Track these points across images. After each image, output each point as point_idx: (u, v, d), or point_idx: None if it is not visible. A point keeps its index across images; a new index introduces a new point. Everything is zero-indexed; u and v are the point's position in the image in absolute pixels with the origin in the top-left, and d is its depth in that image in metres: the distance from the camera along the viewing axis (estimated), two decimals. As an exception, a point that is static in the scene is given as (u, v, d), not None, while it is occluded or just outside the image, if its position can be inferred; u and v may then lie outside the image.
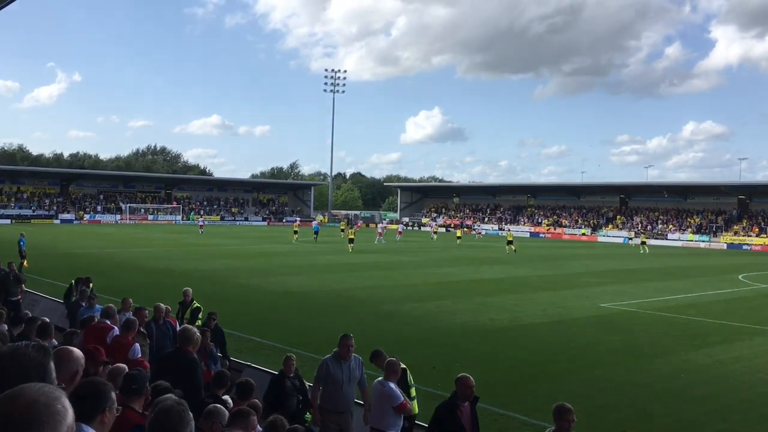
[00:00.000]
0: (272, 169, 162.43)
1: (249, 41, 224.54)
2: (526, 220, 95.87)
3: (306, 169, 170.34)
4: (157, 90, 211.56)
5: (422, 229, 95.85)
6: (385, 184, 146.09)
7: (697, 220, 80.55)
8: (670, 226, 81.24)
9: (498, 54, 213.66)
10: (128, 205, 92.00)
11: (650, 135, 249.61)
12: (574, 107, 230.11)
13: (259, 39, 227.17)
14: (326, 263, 36.66)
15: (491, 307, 22.24)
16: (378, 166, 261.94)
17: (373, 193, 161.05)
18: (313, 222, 78.72)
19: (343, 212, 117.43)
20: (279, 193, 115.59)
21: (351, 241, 47.15)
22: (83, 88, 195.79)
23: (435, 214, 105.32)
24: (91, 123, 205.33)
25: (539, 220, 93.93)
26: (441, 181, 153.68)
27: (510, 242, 51.04)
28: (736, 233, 73.72)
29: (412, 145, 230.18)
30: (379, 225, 71.55)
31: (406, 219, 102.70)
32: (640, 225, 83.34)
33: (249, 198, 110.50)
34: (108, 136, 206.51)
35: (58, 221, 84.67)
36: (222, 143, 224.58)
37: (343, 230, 67.90)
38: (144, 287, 23.16)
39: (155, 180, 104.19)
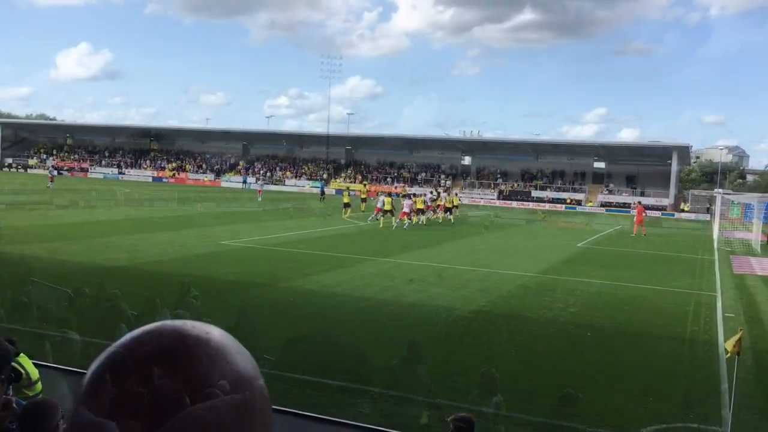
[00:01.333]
0: None
1: None
2: (148, 164, 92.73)
3: None
4: None
5: (29, 171, 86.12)
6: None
7: (310, 167, 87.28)
8: (287, 173, 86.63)
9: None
10: None
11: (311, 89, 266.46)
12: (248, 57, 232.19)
13: None
14: None
15: (108, 248, 21.24)
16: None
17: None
18: None
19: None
20: None
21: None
22: None
23: (45, 156, 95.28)
24: None
25: (162, 165, 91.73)
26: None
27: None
28: (343, 179, 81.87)
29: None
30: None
31: (9, 160, 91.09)
32: (261, 171, 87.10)
33: None
34: None
35: None
36: None
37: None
38: None
39: None
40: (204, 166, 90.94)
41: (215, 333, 0.81)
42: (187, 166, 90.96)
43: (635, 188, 73.34)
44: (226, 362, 0.78)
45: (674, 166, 71.30)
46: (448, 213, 39.75)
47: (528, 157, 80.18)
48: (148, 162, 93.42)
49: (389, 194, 40.00)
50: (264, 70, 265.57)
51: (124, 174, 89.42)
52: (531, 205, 70.30)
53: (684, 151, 73.09)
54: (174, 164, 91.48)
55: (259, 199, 52.78)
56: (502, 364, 11.00)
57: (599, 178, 77.00)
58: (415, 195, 40.05)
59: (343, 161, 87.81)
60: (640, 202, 54.86)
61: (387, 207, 35.30)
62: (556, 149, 78.80)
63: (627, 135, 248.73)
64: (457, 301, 15.97)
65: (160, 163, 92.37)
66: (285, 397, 8.84)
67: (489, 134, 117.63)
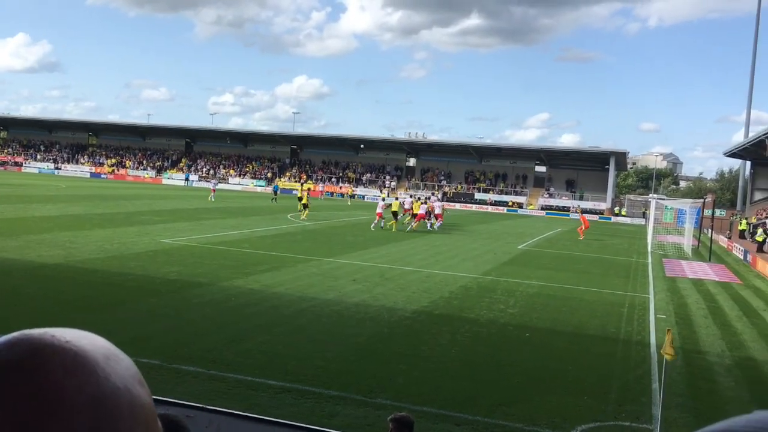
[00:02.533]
0: None
1: None
2: (86, 160, 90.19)
3: None
4: None
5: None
6: None
7: (254, 165, 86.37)
8: (231, 171, 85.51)
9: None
10: None
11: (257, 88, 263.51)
12: (193, 53, 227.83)
13: None
14: None
15: (42, 245, 20.58)
16: None
17: None
18: None
19: None
20: None
21: None
22: None
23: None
24: None
25: (101, 161, 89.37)
26: None
27: None
28: (288, 179, 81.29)
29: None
30: None
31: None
32: (204, 169, 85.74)
33: None
34: None
35: None
36: None
37: None
38: None
39: None
40: (145, 162, 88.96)
41: (83, 342, 0.69)
42: (127, 162, 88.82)
43: (575, 192, 75.12)
44: (88, 374, 0.66)
45: (612, 172, 73.32)
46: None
47: (472, 160, 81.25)
48: (86, 157, 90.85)
49: (395, 198, 40.85)
50: (209, 67, 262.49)
51: (60, 169, 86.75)
52: (474, 207, 71.30)
53: (621, 157, 75.24)
54: (113, 160, 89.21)
55: (212, 198, 50.90)
56: (442, 364, 11.15)
57: (540, 181, 78.62)
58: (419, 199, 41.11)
59: (288, 160, 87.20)
60: (579, 207, 56.40)
61: (394, 209, 36.05)
62: (500, 153, 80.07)
63: (568, 140, 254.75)
64: (400, 301, 16.08)
65: (99, 159, 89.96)
66: (226, 398, 8.76)
67: (434, 136, 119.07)
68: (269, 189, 75.88)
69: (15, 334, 0.67)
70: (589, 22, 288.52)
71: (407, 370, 10.61)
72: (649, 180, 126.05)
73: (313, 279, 18.35)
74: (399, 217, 35.79)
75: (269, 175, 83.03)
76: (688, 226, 38.60)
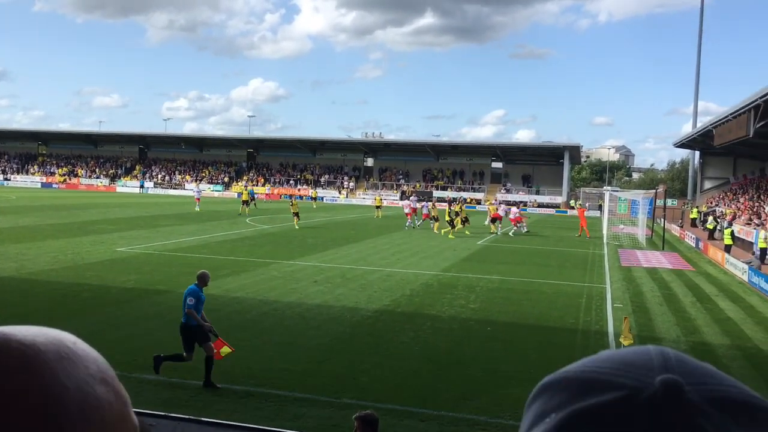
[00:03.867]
0: None
1: None
2: (37, 169, 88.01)
3: None
4: None
5: None
6: None
7: (210, 170, 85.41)
8: (187, 176, 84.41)
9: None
10: None
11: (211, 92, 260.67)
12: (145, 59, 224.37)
13: None
14: None
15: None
16: None
17: None
18: None
19: None
20: None
21: None
22: None
23: None
24: None
25: (52, 170, 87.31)
26: None
27: None
28: (246, 182, 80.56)
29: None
30: None
31: None
32: (159, 176, 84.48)
33: None
34: None
35: None
36: None
37: None
38: None
39: None
40: (98, 170, 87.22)
41: (37, 340, 0.65)
42: (79, 171, 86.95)
43: (531, 187, 76.14)
44: (33, 374, 0.62)
45: (566, 165, 74.50)
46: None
47: (429, 158, 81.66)
48: (36, 167, 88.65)
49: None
50: (162, 72, 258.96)
51: (9, 180, 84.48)
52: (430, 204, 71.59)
53: (575, 151, 76.49)
54: (65, 169, 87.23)
55: (197, 208, 47.32)
56: (405, 361, 11.20)
57: (497, 177, 79.45)
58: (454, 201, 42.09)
59: (245, 164, 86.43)
60: (580, 204, 57.05)
61: (433, 213, 37.60)
62: (456, 150, 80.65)
63: (523, 136, 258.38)
64: (362, 301, 16.11)
65: (50, 169, 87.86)
66: (188, 405, 8.68)
67: (391, 136, 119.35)
68: (227, 194, 75.15)
69: None
70: (542, 18, 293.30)
71: (371, 369, 10.64)
72: (603, 173, 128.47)
73: (275, 282, 18.25)
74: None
75: (226, 179, 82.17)
76: (642, 217, 39.49)
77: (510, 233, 37.43)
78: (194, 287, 10.20)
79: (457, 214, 36.06)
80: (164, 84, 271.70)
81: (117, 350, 11.05)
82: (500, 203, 49.48)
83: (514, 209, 40.46)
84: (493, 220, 38.20)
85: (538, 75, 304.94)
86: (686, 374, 0.59)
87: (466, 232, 35.71)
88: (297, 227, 34.70)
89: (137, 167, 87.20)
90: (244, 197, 47.44)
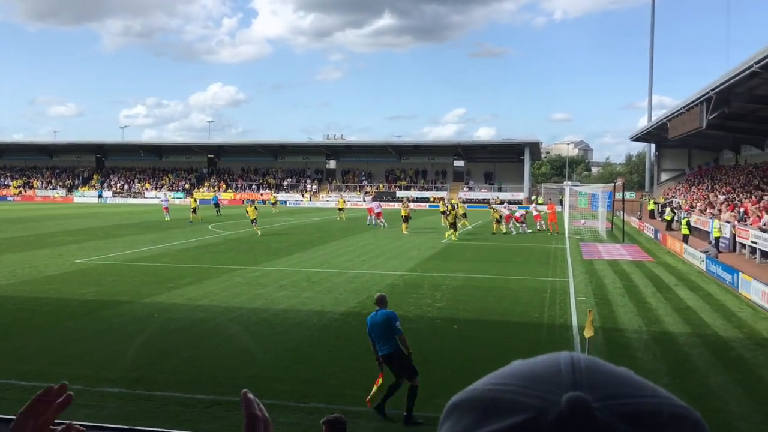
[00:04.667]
0: None
1: None
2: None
3: None
4: None
5: None
6: None
7: (171, 177, 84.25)
8: (147, 184, 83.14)
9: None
10: None
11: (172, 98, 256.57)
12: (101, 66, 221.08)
13: None
14: None
15: (-55, 275, 19.46)
16: None
17: None
18: None
19: None
20: None
21: None
22: None
23: None
24: None
25: (7, 183, 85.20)
26: None
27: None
28: (207, 188, 79.65)
29: None
30: None
31: None
32: (118, 185, 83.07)
33: None
34: None
35: None
36: None
37: None
38: None
39: None
40: (54, 181, 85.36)
41: None
42: (34, 182, 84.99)
43: (493, 184, 76.78)
44: None
45: (527, 162, 75.32)
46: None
47: (391, 159, 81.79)
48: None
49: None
50: (119, 79, 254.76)
51: None
52: (396, 205, 71.74)
53: (535, 147, 77.35)
54: (19, 181, 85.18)
55: (167, 218, 45.43)
56: (373, 363, 11.17)
57: (459, 176, 79.97)
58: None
59: (205, 170, 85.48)
60: (551, 199, 57.53)
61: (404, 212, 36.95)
62: (418, 150, 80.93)
63: (484, 133, 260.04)
64: (328, 304, 16.05)
65: (4, 181, 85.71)
66: (154, 417, 8.53)
67: (353, 137, 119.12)
68: (187, 201, 74.13)
69: None
70: (499, 17, 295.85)
71: (338, 372, 10.60)
72: (563, 168, 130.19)
73: (239, 288, 18.07)
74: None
75: (187, 186, 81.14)
76: (602, 210, 40.15)
77: (514, 232, 37.56)
78: (390, 311, 9.24)
79: (456, 216, 36.04)
80: (121, 91, 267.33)
81: (78, 364, 10.82)
82: (503, 203, 49.54)
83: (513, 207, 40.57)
84: (498, 221, 38.06)
85: (497, 73, 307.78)
86: (596, 388, 0.55)
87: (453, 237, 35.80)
88: (258, 233, 34.00)
89: (95, 177, 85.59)
90: (192, 204, 45.95)
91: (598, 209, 41.99)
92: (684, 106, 37.49)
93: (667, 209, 43.70)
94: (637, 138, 66.12)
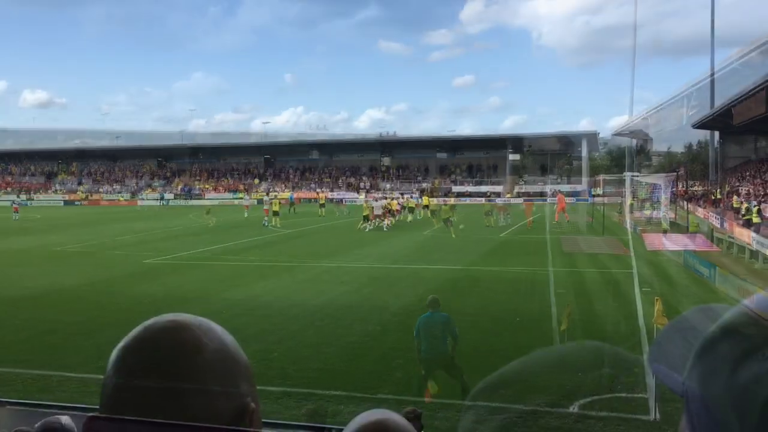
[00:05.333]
0: None
1: None
2: (58, 188, 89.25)
3: None
4: None
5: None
6: None
7: (229, 180, 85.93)
8: (207, 185, 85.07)
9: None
10: None
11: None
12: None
13: None
14: None
15: (24, 277, 20.46)
16: None
17: None
18: None
19: None
20: None
21: None
22: None
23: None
24: None
25: (75, 188, 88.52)
26: None
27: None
28: (266, 189, 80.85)
29: None
30: None
31: None
32: (179, 187, 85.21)
33: None
34: None
35: None
36: None
37: None
38: None
39: None
40: (117, 185, 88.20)
41: (206, 319, 1.01)
42: (101, 187, 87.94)
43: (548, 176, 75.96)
44: (214, 333, 0.98)
45: (584, 153, 74.08)
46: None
47: (444, 153, 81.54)
48: (57, 185, 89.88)
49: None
50: (101, 69, 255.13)
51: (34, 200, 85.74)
52: (452, 200, 71.66)
53: (593, 138, 76.04)
54: (86, 185, 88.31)
55: (269, 225, 38.86)
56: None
57: (515, 170, 79.28)
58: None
59: (262, 170, 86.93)
60: (560, 191, 56.90)
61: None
62: (472, 144, 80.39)
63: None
64: (390, 299, 16.21)
65: (71, 185, 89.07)
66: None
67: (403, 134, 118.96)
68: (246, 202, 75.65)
69: (155, 317, 0.98)
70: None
71: (404, 364, 10.73)
72: (621, 159, 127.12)
73: (302, 285, 18.41)
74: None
75: (242, 187, 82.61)
76: (664, 198, 39.15)
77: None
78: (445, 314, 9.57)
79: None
80: (102, 79, 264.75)
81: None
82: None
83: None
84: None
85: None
86: None
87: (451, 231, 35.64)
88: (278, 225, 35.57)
89: (156, 179, 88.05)
90: (276, 207, 46.22)
91: (660, 199, 40.97)
92: (749, 91, 36.28)
93: (735, 198, 42.34)
94: (700, 125, 64.16)
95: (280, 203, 40.38)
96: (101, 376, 0.94)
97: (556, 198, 42.65)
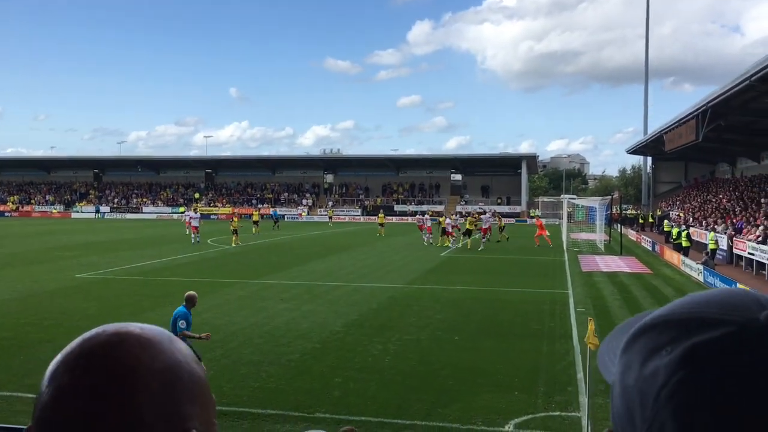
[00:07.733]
0: None
1: None
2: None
3: None
4: None
5: None
6: None
7: (168, 193, 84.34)
8: (145, 199, 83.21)
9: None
10: None
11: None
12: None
13: None
14: None
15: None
16: None
17: None
18: None
19: None
20: None
21: None
22: None
23: None
24: None
25: (4, 198, 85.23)
26: None
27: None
28: (206, 204, 79.70)
29: None
30: None
31: None
32: (116, 199, 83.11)
33: None
34: None
35: None
36: None
37: None
38: None
39: None
40: (51, 197, 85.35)
41: (152, 330, 0.92)
42: (32, 198, 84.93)
43: (488, 198, 77.09)
44: (157, 350, 0.89)
45: (524, 175, 75.63)
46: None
47: (390, 172, 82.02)
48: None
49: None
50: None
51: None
52: (393, 219, 71.95)
53: (532, 161, 77.75)
54: (17, 197, 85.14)
55: (194, 238, 37.98)
56: (376, 374, 11.27)
57: (457, 189, 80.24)
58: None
59: (202, 185, 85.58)
60: (539, 216, 57.42)
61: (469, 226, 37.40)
62: (417, 163, 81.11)
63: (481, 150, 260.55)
64: (330, 316, 16.14)
65: (1, 196, 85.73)
66: None
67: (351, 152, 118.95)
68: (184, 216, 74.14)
69: (98, 327, 0.90)
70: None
71: (342, 383, 10.68)
72: (559, 181, 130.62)
73: (241, 302, 18.15)
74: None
75: (181, 201, 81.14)
76: (599, 223, 40.29)
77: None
78: (183, 309, 10.09)
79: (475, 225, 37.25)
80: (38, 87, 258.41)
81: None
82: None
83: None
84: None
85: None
86: None
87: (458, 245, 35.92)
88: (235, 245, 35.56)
89: (92, 192, 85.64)
90: (255, 218, 47.29)
91: (595, 222, 42.10)
92: (680, 119, 37.78)
93: (665, 222, 43.91)
94: (634, 151, 66.45)
95: (237, 220, 39.81)
96: (30, 395, 0.90)
97: (536, 222, 42.61)
